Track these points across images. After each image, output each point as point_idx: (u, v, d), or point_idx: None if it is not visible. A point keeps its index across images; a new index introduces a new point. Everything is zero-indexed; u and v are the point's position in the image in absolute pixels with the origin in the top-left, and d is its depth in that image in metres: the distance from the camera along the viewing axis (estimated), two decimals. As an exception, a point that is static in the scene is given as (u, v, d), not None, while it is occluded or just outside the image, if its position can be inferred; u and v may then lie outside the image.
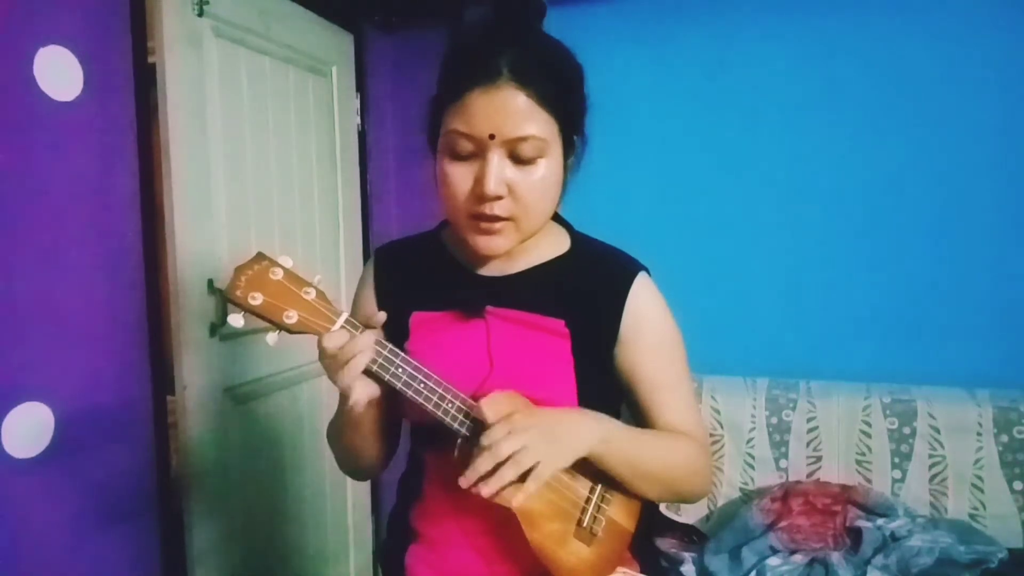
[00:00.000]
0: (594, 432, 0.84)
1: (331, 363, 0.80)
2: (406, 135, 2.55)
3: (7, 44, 1.31)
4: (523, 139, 0.80)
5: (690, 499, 1.01)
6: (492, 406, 0.80)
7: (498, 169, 0.81)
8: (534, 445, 0.77)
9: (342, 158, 2.37)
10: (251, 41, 1.93)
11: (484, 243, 0.86)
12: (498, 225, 0.84)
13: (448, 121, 0.83)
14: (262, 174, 1.97)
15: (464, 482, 0.78)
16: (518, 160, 0.82)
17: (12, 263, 1.32)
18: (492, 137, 0.80)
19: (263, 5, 1.96)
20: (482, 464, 0.76)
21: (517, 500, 0.79)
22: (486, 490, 0.76)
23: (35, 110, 1.36)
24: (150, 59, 1.62)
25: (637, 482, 0.89)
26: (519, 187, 0.82)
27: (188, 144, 1.69)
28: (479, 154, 0.82)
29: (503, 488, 0.77)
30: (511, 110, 0.79)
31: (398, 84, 2.60)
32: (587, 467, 0.87)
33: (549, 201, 0.87)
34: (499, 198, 0.82)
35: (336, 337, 0.79)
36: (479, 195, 0.82)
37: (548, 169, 0.83)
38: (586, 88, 0.89)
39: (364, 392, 0.81)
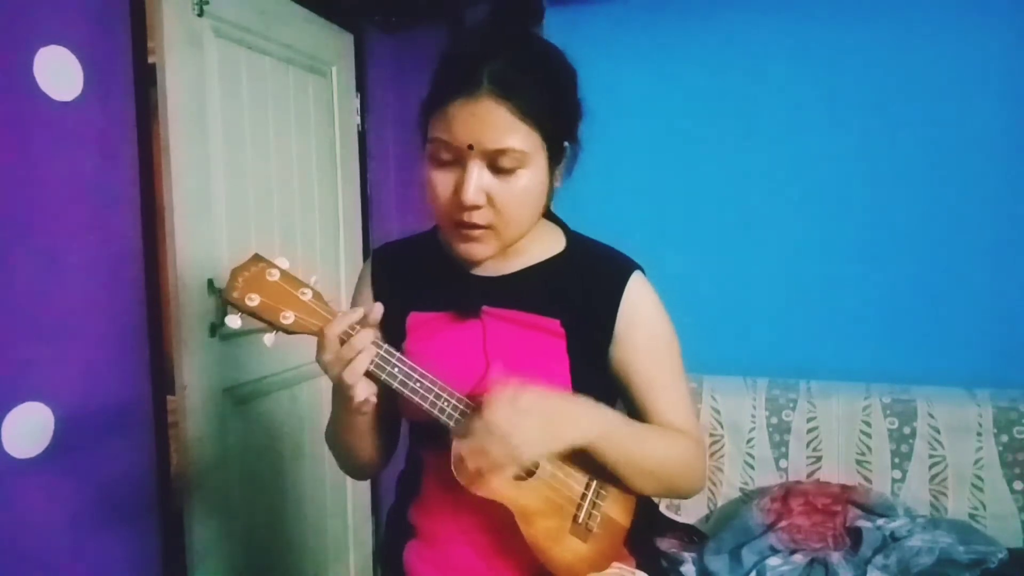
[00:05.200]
0: (594, 423, 0.85)
1: (332, 360, 0.81)
2: (406, 135, 2.54)
3: (7, 44, 1.31)
4: (502, 151, 0.80)
5: (684, 495, 1.01)
6: (500, 389, 0.81)
7: (477, 179, 0.81)
8: (528, 430, 0.78)
9: (342, 158, 2.37)
10: (251, 41, 1.93)
11: (464, 249, 0.87)
12: (477, 233, 0.85)
13: (432, 128, 0.84)
14: (262, 174, 1.98)
15: (461, 477, 0.79)
16: (498, 170, 0.82)
17: (12, 263, 1.32)
18: (471, 148, 0.80)
19: (263, 5, 1.97)
20: (477, 438, 0.78)
21: (517, 495, 0.80)
22: (471, 465, 0.79)
23: (35, 110, 1.36)
24: (150, 59, 1.62)
25: (632, 476, 0.89)
26: (498, 197, 0.83)
27: (188, 144, 1.69)
28: (459, 162, 0.82)
29: (489, 468, 0.79)
30: (490, 122, 0.79)
31: (398, 84, 2.60)
32: (583, 463, 0.88)
33: (530, 210, 0.87)
34: (477, 207, 0.82)
35: (339, 323, 0.80)
36: (458, 203, 0.82)
37: (529, 180, 0.83)
38: (580, 93, 0.89)
39: (366, 390, 0.82)
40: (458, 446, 0.81)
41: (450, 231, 0.87)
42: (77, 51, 1.43)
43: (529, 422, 0.78)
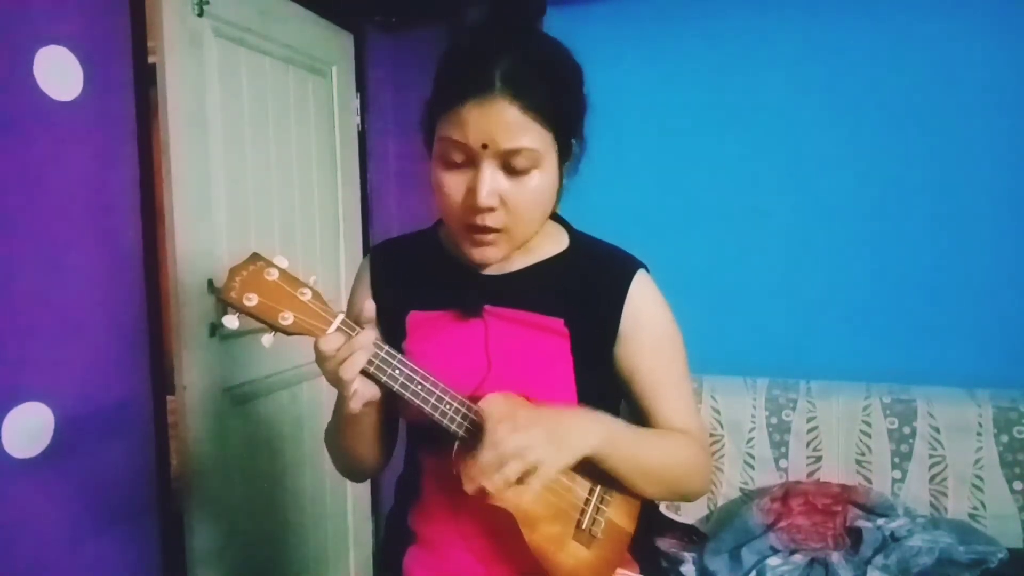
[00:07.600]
0: (597, 432, 0.83)
1: (329, 364, 0.80)
2: (406, 135, 2.55)
3: (7, 44, 1.31)
4: (516, 151, 0.79)
5: (690, 498, 1.00)
6: (492, 405, 0.80)
7: (490, 180, 0.80)
8: (538, 443, 0.75)
9: (342, 158, 2.37)
10: (251, 41, 1.93)
11: (477, 253, 0.85)
12: (490, 236, 0.83)
13: (441, 128, 0.82)
14: (262, 174, 1.97)
15: (469, 486, 0.77)
16: (511, 171, 0.81)
17: (12, 263, 1.32)
18: (485, 147, 0.79)
19: (263, 5, 1.96)
20: (486, 460, 0.74)
21: (520, 500, 0.78)
22: (490, 486, 0.74)
23: (35, 110, 1.36)
24: (150, 59, 1.62)
25: (638, 481, 0.89)
26: (512, 198, 0.81)
27: (188, 144, 1.69)
28: (472, 164, 0.81)
29: (507, 485, 0.75)
30: (504, 122, 0.78)
31: (398, 84, 2.60)
32: (586, 468, 0.87)
33: (542, 211, 0.86)
34: (491, 209, 0.81)
35: (333, 340, 0.79)
36: (471, 206, 0.81)
37: (542, 179, 0.82)
38: (585, 89, 0.88)
39: (362, 391, 0.81)
40: (470, 477, 0.77)
41: (461, 234, 0.85)
42: (77, 51, 1.43)
43: (536, 435, 0.76)
